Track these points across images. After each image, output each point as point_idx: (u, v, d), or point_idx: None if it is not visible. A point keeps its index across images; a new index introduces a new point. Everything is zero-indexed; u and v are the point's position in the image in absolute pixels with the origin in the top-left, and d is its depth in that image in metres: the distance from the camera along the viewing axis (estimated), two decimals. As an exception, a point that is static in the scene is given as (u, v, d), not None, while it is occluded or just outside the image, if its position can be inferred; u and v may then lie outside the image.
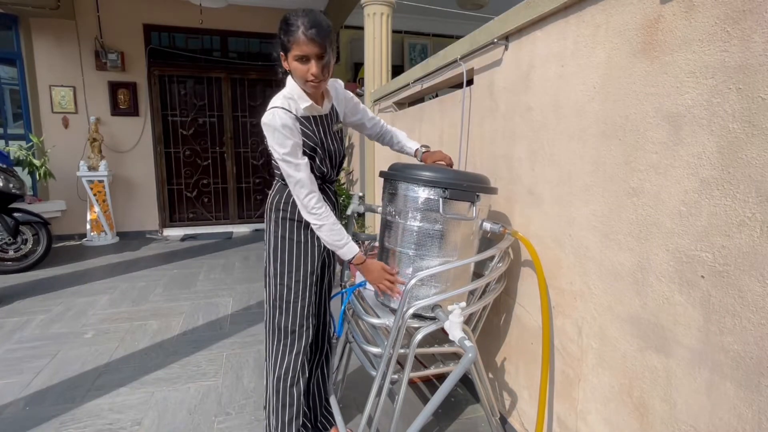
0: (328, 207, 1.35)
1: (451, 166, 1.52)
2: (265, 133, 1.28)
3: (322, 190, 1.44)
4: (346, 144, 4.50)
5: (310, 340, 1.48)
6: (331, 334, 1.71)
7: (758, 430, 0.85)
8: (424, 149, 1.59)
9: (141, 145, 5.52)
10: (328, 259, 1.61)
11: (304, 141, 1.33)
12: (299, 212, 1.38)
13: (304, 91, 1.32)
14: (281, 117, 1.26)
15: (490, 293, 1.48)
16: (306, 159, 1.32)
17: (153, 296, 3.31)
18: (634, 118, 1.09)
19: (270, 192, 1.48)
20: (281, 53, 1.29)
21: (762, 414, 0.84)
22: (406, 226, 1.38)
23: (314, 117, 1.37)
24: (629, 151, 1.11)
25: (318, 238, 1.45)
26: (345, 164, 4.44)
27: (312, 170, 1.35)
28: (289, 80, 1.34)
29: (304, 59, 1.24)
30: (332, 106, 1.46)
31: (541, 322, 1.46)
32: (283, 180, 1.38)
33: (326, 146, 1.40)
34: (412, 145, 1.63)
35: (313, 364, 1.68)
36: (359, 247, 1.41)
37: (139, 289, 3.46)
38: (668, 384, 1.04)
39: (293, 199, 1.37)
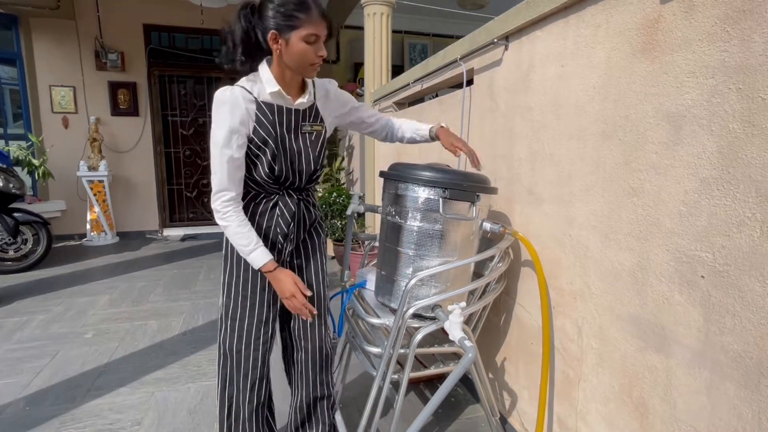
0: (237, 209, 1.16)
1: (473, 154, 1.41)
2: (212, 109, 1.13)
3: (280, 196, 1.26)
4: (346, 144, 4.49)
5: (261, 362, 1.31)
6: (330, 344, 1.46)
7: (758, 430, 0.85)
8: (437, 127, 1.44)
9: (141, 145, 5.52)
10: (301, 274, 1.38)
11: (255, 128, 1.15)
12: (258, 219, 1.24)
13: (277, 79, 1.17)
14: (233, 94, 1.12)
15: (490, 293, 1.48)
16: (240, 153, 1.14)
17: (153, 296, 3.30)
18: (634, 118, 1.09)
19: None
20: (272, 31, 1.09)
21: (762, 414, 0.84)
22: (406, 226, 1.38)
23: (279, 107, 1.18)
24: (629, 151, 1.11)
25: (280, 252, 1.29)
26: (344, 164, 4.43)
27: (258, 169, 1.19)
28: (263, 65, 1.17)
29: (314, 39, 1.10)
30: (314, 107, 1.26)
31: (541, 322, 1.46)
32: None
33: (287, 144, 1.20)
34: (425, 127, 1.46)
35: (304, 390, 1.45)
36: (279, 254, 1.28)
37: (139, 289, 3.46)
38: (668, 384, 1.04)
39: (252, 206, 1.24)
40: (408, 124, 1.49)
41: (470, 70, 1.90)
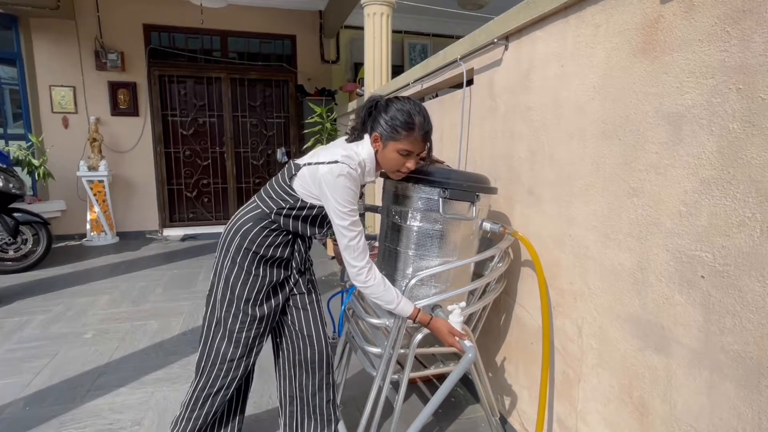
0: (376, 271, 1.27)
1: None
2: (333, 186, 1.19)
3: (295, 237, 1.35)
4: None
5: (247, 370, 1.38)
6: (330, 349, 1.49)
7: (758, 430, 0.85)
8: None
9: (141, 145, 5.52)
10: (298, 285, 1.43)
11: None
12: (272, 249, 1.29)
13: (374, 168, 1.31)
14: (354, 176, 1.22)
15: (490, 293, 1.48)
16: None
17: (153, 296, 3.30)
18: (634, 118, 1.09)
19: (242, 211, 1.33)
20: (376, 134, 1.25)
21: (762, 414, 0.84)
22: (406, 226, 1.38)
23: (362, 185, 1.35)
24: (629, 151, 1.11)
25: (278, 274, 1.35)
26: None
27: (314, 225, 1.33)
28: (368, 147, 1.28)
29: (407, 153, 1.25)
30: None
31: (541, 322, 1.46)
32: (273, 207, 1.28)
33: None
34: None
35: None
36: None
37: (139, 289, 3.46)
38: (668, 384, 1.04)
39: (271, 238, 1.29)
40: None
41: (470, 70, 1.90)
